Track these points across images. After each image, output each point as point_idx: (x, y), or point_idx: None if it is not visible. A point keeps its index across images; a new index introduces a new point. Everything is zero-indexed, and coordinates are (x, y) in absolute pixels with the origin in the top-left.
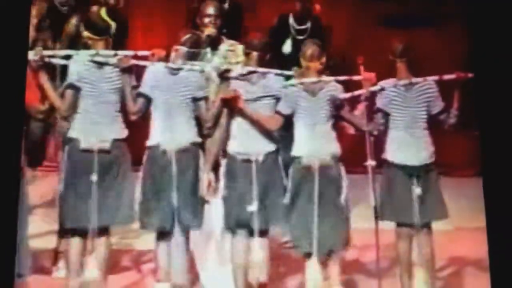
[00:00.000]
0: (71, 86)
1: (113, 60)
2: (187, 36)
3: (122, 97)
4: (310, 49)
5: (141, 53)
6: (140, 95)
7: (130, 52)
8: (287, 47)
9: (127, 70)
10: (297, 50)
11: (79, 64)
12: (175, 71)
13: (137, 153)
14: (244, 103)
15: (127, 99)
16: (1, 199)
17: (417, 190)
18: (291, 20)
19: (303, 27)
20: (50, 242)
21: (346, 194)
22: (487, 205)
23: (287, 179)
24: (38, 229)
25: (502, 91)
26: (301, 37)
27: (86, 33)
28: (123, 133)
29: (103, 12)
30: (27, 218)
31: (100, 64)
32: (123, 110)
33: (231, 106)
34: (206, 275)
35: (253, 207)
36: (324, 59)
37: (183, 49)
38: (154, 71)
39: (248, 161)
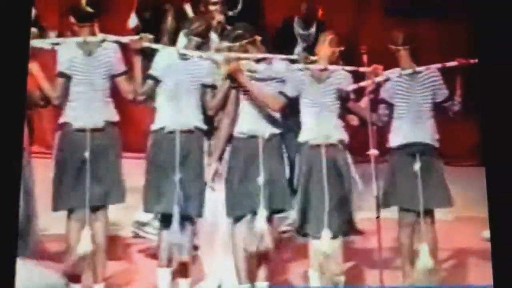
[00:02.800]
0: (62, 74)
1: (102, 45)
2: (197, 23)
3: (112, 84)
4: (330, 35)
5: (130, 38)
6: (149, 77)
7: (118, 38)
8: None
9: (138, 52)
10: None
11: (68, 52)
12: (186, 56)
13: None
14: (247, 77)
15: (135, 80)
16: (3, 184)
17: (417, 166)
18: (295, 24)
19: (307, 32)
20: (53, 226)
21: (354, 182)
22: (489, 194)
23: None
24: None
25: (505, 79)
26: (305, 44)
27: (71, 20)
28: (115, 117)
29: (83, 1)
30: (29, 203)
31: (89, 51)
32: (119, 96)
33: (234, 79)
34: (209, 262)
35: (260, 179)
36: (338, 50)
37: (191, 37)
38: (165, 55)
39: (254, 137)
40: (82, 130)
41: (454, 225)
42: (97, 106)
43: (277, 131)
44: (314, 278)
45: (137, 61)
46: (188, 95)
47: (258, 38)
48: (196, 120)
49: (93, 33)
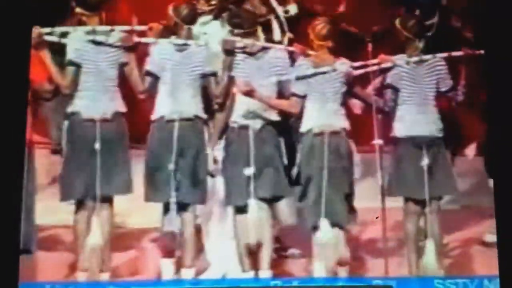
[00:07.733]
0: (71, 63)
1: (113, 39)
2: (185, 10)
3: (120, 73)
4: (324, 28)
5: (138, 28)
6: (148, 73)
7: (126, 27)
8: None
9: (131, 49)
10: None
11: (77, 41)
12: (182, 47)
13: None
14: (259, 93)
15: (135, 78)
16: (7, 176)
17: (425, 161)
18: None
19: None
20: (57, 218)
21: (356, 169)
22: (495, 184)
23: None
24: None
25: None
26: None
27: (78, 9)
28: (123, 107)
29: None
30: (33, 194)
31: (99, 42)
32: (126, 86)
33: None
34: (212, 250)
35: (249, 170)
36: (335, 38)
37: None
38: (161, 48)
39: (245, 127)
40: (91, 120)
41: (460, 214)
42: (106, 95)
43: (271, 119)
44: (318, 268)
45: (132, 59)
46: (186, 86)
47: (259, 28)
48: (195, 109)
49: (101, 22)
